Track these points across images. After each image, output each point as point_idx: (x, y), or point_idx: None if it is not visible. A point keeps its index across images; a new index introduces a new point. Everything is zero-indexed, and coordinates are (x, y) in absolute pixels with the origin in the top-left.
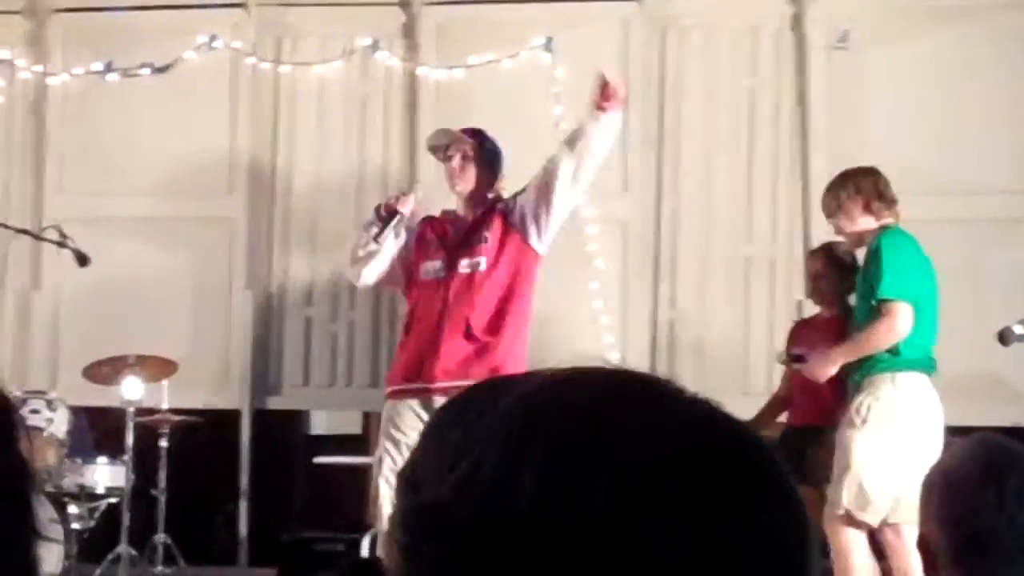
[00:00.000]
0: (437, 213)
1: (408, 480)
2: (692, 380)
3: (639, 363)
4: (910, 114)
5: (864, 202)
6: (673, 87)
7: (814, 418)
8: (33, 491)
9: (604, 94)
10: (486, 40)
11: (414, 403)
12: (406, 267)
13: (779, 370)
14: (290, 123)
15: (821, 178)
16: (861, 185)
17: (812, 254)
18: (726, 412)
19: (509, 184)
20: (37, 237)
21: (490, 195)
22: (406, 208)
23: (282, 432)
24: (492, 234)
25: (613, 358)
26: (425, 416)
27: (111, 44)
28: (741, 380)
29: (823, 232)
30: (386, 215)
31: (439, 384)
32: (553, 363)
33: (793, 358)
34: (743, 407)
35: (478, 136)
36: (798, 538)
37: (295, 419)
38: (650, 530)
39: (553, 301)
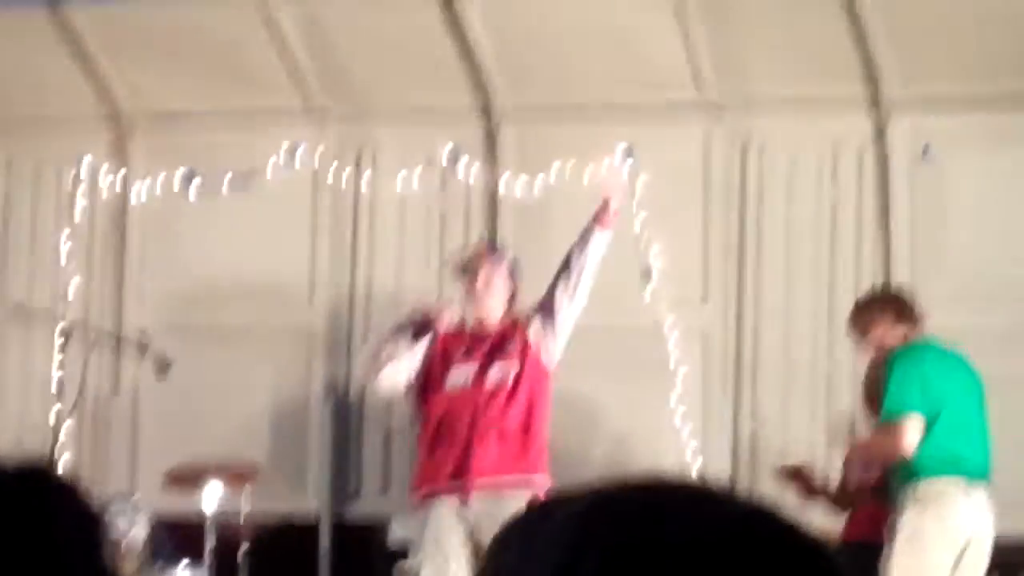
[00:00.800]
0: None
1: None
2: (774, 492)
3: (720, 475)
4: (992, 226)
5: (889, 322)
6: (754, 199)
7: (869, 535)
8: None
9: (604, 214)
10: (567, 148)
11: (451, 505)
12: (423, 379)
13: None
14: (370, 235)
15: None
16: (885, 307)
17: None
18: (781, 516)
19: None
20: (118, 344)
21: (510, 308)
22: (443, 325)
23: (361, 544)
24: (518, 346)
25: (694, 470)
26: (459, 518)
27: (192, 156)
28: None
29: None
30: (421, 324)
31: (477, 483)
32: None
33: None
34: (826, 519)
35: (499, 254)
36: None
37: (375, 532)
38: None
39: (633, 413)
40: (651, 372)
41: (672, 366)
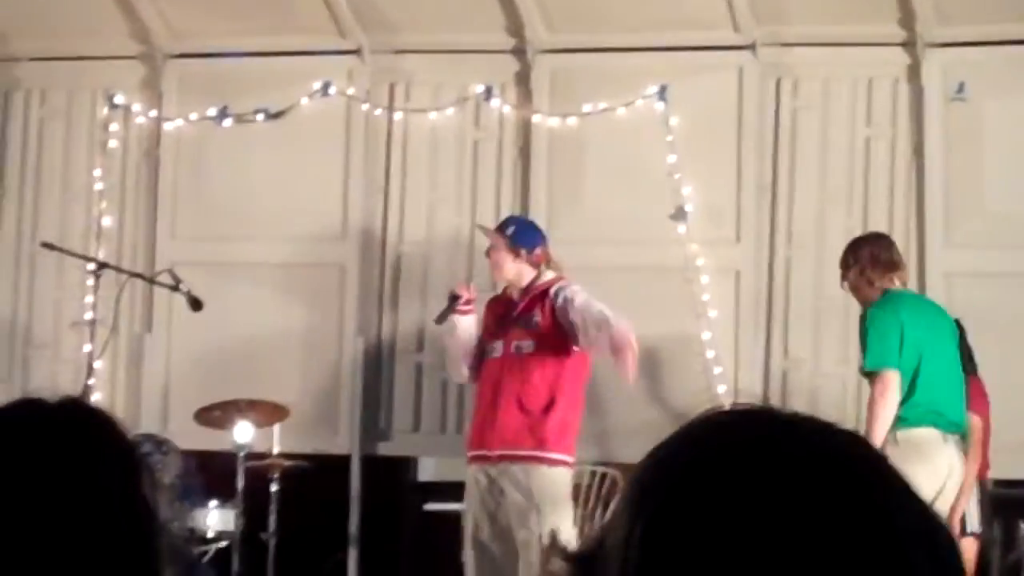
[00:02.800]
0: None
1: None
2: None
3: None
4: None
5: (859, 269)
6: (787, 136)
7: None
8: (158, 532)
9: (617, 356)
10: (600, 88)
11: (478, 469)
12: (478, 350)
13: None
14: (402, 170)
15: (936, 228)
16: (859, 254)
17: None
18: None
19: (619, 229)
20: (151, 281)
21: (532, 275)
22: (464, 291)
23: (391, 479)
24: (543, 320)
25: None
26: (484, 482)
27: (226, 90)
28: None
29: (940, 282)
30: (453, 309)
31: (495, 452)
32: (666, 413)
33: None
34: None
35: (502, 227)
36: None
37: (404, 466)
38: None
39: (666, 351)
40: (683, 311)
41: (704, 305)
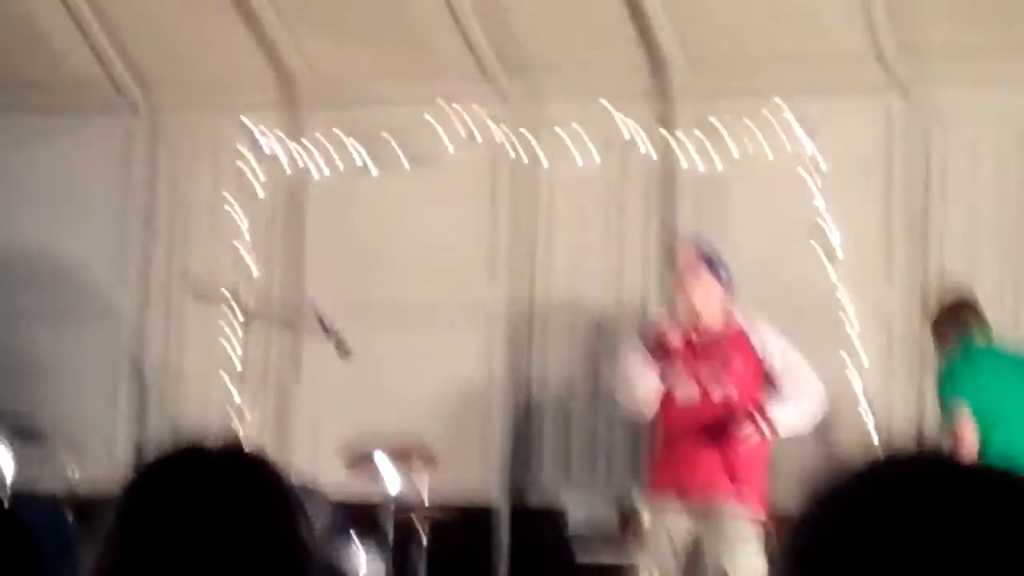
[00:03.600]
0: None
1: None
2: None
3: None
4: None
5: (937, 332)
6: (938, 179)
7: None
8: (314, 572)
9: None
10: (746, 131)
11: (674, 509)
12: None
13: None
14: (550, 214)
15: None
16: (937, 318)
17: None
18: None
19: (767, 273)
20: (300, 330)
21: (725, 309)
22: (676, 342)
23: (541, 530)
24: (745, 365)
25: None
26: (681, 521)
27: (370, 137)
28: None
29: None
30: (661, 356)
31: (696, 495)
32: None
33: None
34: None
35: (704, 258)
36: None
37: (553, 517)
38: None
39: None
40: (834, 357)
41: (856, 351)
